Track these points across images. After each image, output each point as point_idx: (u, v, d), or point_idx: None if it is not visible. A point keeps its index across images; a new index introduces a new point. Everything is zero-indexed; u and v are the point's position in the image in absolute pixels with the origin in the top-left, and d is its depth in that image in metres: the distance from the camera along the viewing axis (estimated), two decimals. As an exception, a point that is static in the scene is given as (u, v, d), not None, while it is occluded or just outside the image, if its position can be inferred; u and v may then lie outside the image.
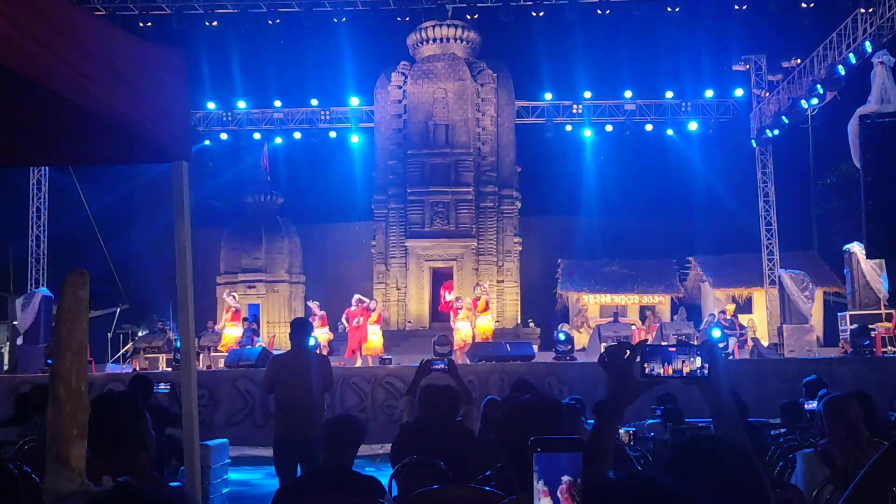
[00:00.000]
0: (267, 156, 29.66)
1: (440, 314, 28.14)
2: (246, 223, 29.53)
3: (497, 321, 24.73)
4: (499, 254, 28.25)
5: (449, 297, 28.28)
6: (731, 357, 18.86)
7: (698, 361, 2.60)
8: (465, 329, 21.11)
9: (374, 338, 20.61)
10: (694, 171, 29.87)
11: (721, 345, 18.60)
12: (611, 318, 24.70)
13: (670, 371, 2.59)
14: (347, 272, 30.07)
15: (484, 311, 21.27)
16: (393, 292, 27.53)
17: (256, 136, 29.99)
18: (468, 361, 17.83)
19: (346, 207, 30.91)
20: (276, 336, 26.29)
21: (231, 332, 21.22)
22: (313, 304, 21.65)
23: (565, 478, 2.03)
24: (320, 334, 20.54)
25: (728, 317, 22.53)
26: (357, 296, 21.39)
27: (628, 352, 2.62)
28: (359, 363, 19.21)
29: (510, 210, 28.47)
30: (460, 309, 21.37)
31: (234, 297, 22.21)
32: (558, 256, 29.52)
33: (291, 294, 29.79)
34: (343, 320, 20.97)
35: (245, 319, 22.59)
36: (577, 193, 30.19)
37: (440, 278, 28.55)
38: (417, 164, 27.97)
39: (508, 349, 18.22)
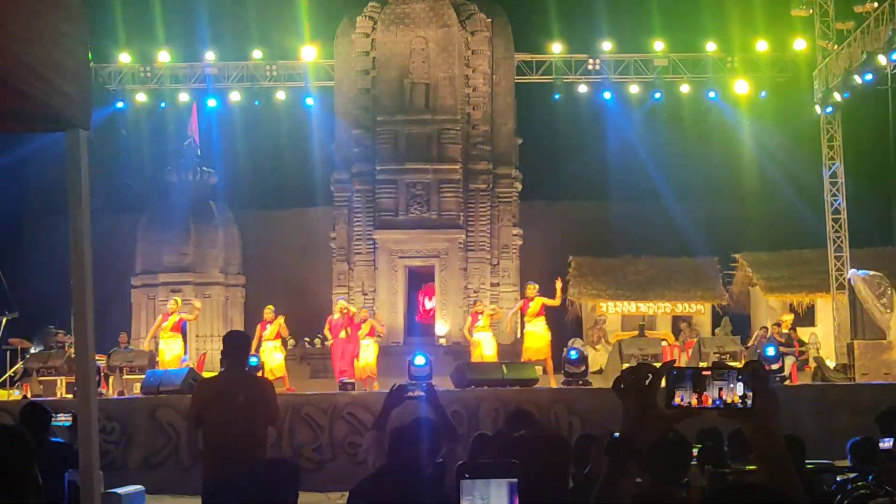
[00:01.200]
0: (196, 123, 29.54)
1: (418, 326, 28.08)
2: (170, 209, 29.26)
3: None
4: (493, 249, 28.23)
5: (430, 303, 28.28)
6: (786, 382, 18.92)
7: (740, 388, 2.59)
8: (488, 343, 20.94)
9: (368, 354, 20.59)
10: (742, 145, 29.89)
11: (774, 366, 18.68)
12: (635, 332, 24.76)
13: (708, 401, 2.59)
14: (300, 272, 29.97)
15: (537, 315, 20.98)
16: (358, 298, 27.39)
17: (183, 97, 29.86)
18: (452, 386, 17.84)
19: (298, 189, 30.78)
20: (207, 354, 26.18)
21: (170, 348, 20.91)
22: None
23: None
24: (270, 349, 20.42)
25: (784, 330, 22.62)
26: (341, 301, 21.19)
27: (650, 376, 2.63)
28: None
29: (508, 193, 28.46)
30: (480, 314, 21.16)
31: (177, 300, 21.89)
32: (569, 253, 29.52)
33: (227, 300, 29.69)
34: (325, 332, 20.85)
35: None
36: (594, 173, 30.03)
37: (418, 280, 28.48)
38: (389, 133, 27.91)
39: (504, 371, 18.30)
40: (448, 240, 27.82)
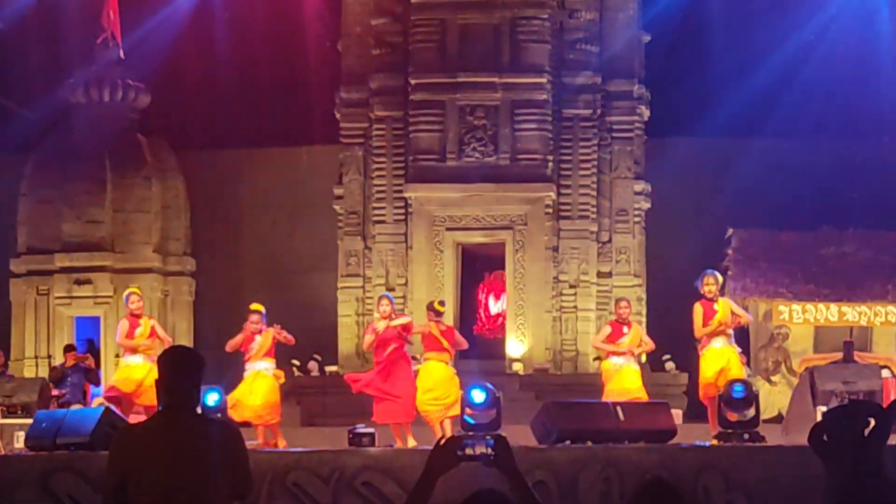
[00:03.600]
0: (116, 7, 29.66)
1: (478, 342, 27.96)
2: (72, 149, 29.63)
3: (596, 358, 24.72)
4: (603, 217, 28.54)
5: (497, 305, 28.29)
6: None
7: None
8: (631, 374, 20.76)
9: (447, 382, 20.14)
10: None
11: None
12: (838, 354, 24.67)
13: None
14: (284, 252, 30.15)
15: (723, 329, 20.28)
16: (378, 294, 27.54)
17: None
18: (534, 440, 17.88)
19: (281, 118, 31.04)
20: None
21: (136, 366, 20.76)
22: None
23: None
24: (262, 370, 20.39)
25: None
26: (384, 299, 20.65)
27: (872, 422, 2.76)
28: (408, 443, 19.29)
29: (628, 124, 28.79)
30: (627, 327, 20.79)
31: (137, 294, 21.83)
32: (728, 223, 29.54)
33: (167, 297, 30.02)
34: (368, 340, 20.34)
35: (71, 348, 22.68)
36: (771, 90, 29.86)
37: (479, 267, 28.84)
38: (433, 25, 28.19)
39: (620, 416, 18.30)
40: (528, 200, 28.03)
